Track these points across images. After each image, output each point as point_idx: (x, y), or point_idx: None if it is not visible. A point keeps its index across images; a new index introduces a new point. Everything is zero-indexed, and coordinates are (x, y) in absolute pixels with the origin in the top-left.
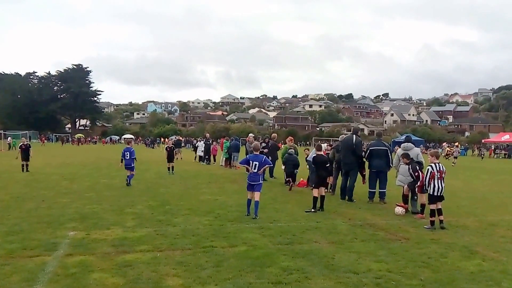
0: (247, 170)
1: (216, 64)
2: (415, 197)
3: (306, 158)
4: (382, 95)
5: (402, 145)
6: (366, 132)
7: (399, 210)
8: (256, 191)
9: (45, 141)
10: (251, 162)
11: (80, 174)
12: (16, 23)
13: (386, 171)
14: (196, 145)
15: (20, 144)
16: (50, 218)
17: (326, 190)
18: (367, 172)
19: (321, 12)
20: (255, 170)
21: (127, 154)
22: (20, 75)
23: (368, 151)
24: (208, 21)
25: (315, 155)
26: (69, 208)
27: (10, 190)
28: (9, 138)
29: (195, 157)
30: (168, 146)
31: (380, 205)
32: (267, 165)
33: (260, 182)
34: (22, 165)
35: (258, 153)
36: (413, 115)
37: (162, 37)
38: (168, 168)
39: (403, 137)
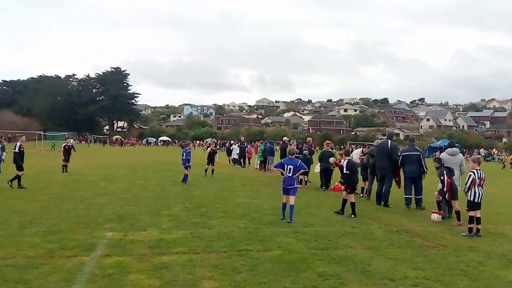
0: (282, 174)
1: (250, 68)
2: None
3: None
4: (418, 100)
5: (448, 149)
6: (401, 136)
7: (435, 217)
8: (291, 195)
9: (84, 142)
10: (285, 166)
11: (117, 176)
12: (56, 27)
13: (420, 176)
14: (231, 148)
15: (63, 145)
16: (88, 219)
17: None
18: (402, 178)
19: (353, 18)
20: (290, 174)
21: (184, 154)
22: (60, 77)
23: (400, 157)
24: (242, 26)
25: (349, 159)
26: (106, 209)
27: (49, 190)
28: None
29: (229, 160)
30: (211, 149)
31: (417, 211)
32: (302, 170)
33: (296, 186)
34: (63, 166)
35: (293, 157)
36: (450, 120)
37: (197, 42)
38: (206, 170)
39: (439, 142)
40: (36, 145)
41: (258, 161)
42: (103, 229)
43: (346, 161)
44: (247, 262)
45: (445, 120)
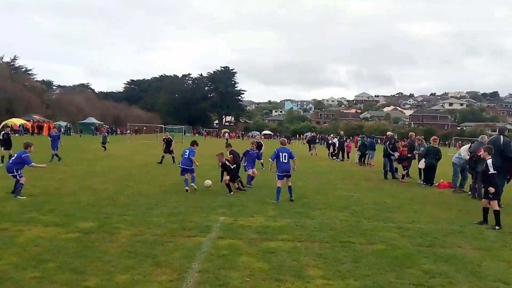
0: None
1: (347, 64)
2: None
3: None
4: None
5: None
6: None
7: None
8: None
9: (197, 134)
10: (281, 154)
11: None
12: (172, 32)
13: None
14: (330, 142)
15: (163, 138)
16: (203, 204)
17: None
18: None
19: (453, 10)
20: (286, 161)
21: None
22: (178, 77)
23: None
24: (337, 23)
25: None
26: (218, 195)
27: (169, 177)
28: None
29: (329, 153)
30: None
31: None
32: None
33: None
34: (162, 157)
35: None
36: None
37: (295, 41)
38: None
39: None
40: (158, 137)
41: (358, 156)
42: (216, 213)
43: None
44: (350, 253)
45: None
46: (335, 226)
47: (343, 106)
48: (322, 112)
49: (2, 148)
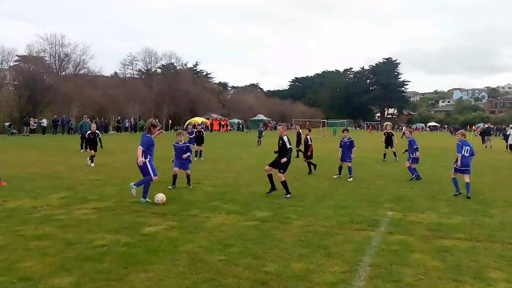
0: None
1: None
2: None
3: None
4: None
5: None
6: None
7: None
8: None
9: (359, 128)
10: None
11: (391, 159)
12: (335, 28)
13: None
14: (508, 133)
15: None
16: (369, 197)
17: None
18: None
19: None
20: (467, 155)
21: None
22: (339, 71)
23: None
24: None
25: None
26: (384, 189)
27: (333, 170)
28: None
29: (506, 146)
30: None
31: None
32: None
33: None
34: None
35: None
36: None
37: (464, 25)
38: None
39: None
40: (320, 131)
41: None
42: (383, 208)
43: None
44: None
45: None
46: None
47: None
48: (498, 101)
49: (195, 144)
